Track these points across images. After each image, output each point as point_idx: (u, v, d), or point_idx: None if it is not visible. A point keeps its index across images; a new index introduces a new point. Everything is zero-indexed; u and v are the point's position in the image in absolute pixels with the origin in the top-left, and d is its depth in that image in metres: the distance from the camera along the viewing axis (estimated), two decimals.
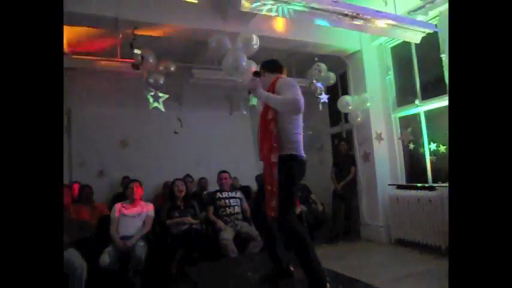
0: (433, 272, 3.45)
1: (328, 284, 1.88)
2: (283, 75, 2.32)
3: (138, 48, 3.69)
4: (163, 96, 4.06)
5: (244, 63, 3.67)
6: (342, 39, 5.02)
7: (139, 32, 3.72)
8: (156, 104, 3.98)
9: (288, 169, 1.99)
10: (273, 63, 2.39)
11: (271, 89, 2.14)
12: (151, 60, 3.97)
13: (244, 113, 4.44)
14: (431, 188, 4.35)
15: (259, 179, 2.30)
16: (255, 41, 3.78)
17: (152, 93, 3.96)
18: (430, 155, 4.65)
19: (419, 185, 4.61)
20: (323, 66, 5.02)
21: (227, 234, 3.62)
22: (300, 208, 4.47)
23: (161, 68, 4.16)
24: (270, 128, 2.03)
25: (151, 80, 3.93)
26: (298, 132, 2.13)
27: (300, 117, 2.14)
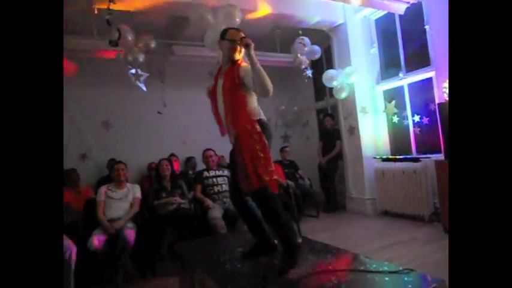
0: (417, 240, 3.58)
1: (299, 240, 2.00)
2: None
3: (116, 24, 3.53)
4: (143, 74, 3.93)
5: None
6: (326, 12, 4.93)
7: (115, 7, 3.54)
8: (137, 83, 3.86)
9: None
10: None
11: (232, 71, 2.08)
12: (129, 37, 3.81)
13: None
14: (415, 160, 4.44)
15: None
16: (237, 15, 3.66)
17: (133, 71, 3.83)
18: (414, 127, 4.71)
19: (403, 157, 4.69)
20: (307, 40, 4.94)
21: (216, 213, 3.63)
22: (287, 183, 4.56)
23: (141, 45, 4.00)
24: (245, 99, 2.05)
25: (130, 58, 3.79)
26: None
27: None
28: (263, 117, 2.14)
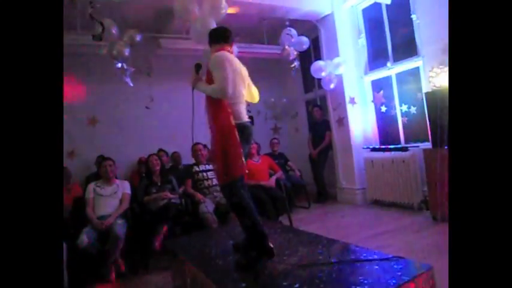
0: (406, 227, 3.64)
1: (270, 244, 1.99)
2: (227, 47, 2.23)
3: (99, 18, 3.45)
4: (129, 69, 3.86)
5: None
6: (313, 2, 4.91)
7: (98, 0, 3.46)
8: (123, 78, 3.79)
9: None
10: (216, 31, 2.30)
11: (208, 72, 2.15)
12: (113, 31, 3.73)
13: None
14: (404, 149, 4.49)
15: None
16: (223, 5, 3.61)
17: (119, 66, 3.76)
18: (402, 116, 4.75)
19: (392, 146, 4.74)
20: (293, 31, 4.92)
21: (207, 207, 3.62)
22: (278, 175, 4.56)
23: (125, 38, 3.93)
24: (212, 102, 2.11)
25: (114, 52, 3.71)
26: (236, 102, 2.15)
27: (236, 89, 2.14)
28: (240, 120, 2.12)
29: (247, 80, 2.33)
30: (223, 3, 3.62)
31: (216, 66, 2.06)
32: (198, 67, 2.26)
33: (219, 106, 2.05)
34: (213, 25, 3.51)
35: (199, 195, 3.77)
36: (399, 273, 1.60)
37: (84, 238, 2.98)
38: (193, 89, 2.21)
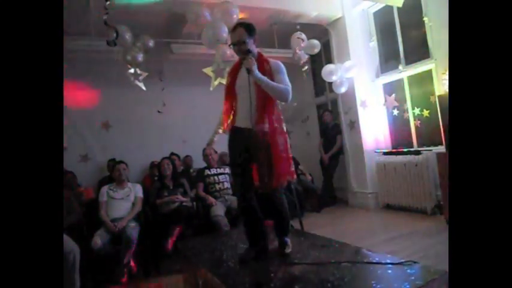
0: (419, 232, 3.58)
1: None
2: None
3: (113, 24, 3.52)
4: (142, 73, 3.93)
5: (225, 35, 3.55)
6: (323, 6, 4.91)
7: (112, 6, 3.52)
8: (136, 82, 3.86)
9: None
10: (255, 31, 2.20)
11: (261, 67, 2.06)
12: (127, 37, 3.80)
13: (211, 89, 4.27)
14: (416, 153, 4.43)
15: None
16: (235, 11, 3.65)
17: (132, 71, 3.82)
18: (414, 119, 4.70)
19: (405, 150, 4.68)
20: (304, 35, 4.92)
21: (218, 210, 3.64)
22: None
23: (139, 44, 4.00)
24: (272, 100, 2.08)
25: (129, 57, 3.78)
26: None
27: None
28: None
29: None
30: (235, 8, 3.66)
31: (282, 71, 2.10)
32: (248, 51, 2.07)
33: (274, 102, 2.08)
34: (225, 30, 3.55)
35: (210, 199, 3.80)
36: (412, 278, 1.58)
37: (98, 240, 3.02)
38: (249, 72, 1.97)
